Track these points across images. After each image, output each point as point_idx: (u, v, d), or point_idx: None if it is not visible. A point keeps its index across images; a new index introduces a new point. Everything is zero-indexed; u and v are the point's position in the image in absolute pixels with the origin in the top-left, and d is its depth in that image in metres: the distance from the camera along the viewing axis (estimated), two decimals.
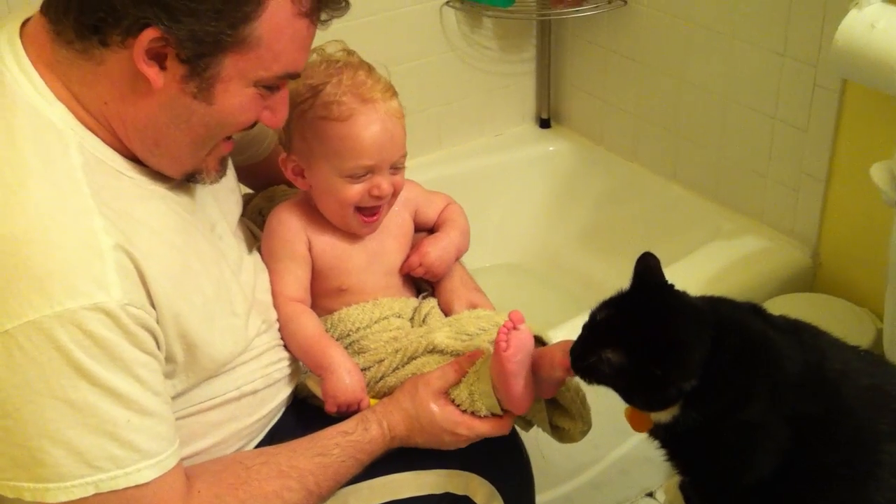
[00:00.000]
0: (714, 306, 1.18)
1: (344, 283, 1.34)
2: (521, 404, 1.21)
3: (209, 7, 0.99)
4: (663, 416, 1.16)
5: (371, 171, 1.28)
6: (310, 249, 1.33)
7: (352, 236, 1.35)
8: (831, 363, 1.18)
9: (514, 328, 1.17)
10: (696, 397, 1.11)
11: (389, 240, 1.38)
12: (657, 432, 1.21)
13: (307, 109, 1.28)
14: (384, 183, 1.29)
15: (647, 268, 1.15)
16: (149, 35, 0.98)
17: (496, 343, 1.18)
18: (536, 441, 1.39)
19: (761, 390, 1.14)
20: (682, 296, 1.16)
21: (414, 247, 1.41)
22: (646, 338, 1.10)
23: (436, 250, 1.39)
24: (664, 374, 1.08)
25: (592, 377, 1.14)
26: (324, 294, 1.35)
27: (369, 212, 1.32)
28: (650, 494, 2.05)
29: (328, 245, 1.34)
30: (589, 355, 1.13)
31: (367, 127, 1.26)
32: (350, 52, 1.32)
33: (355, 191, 1.29)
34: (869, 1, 1.61)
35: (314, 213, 1.34)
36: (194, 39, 1.00)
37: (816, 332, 1.22)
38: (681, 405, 1.13)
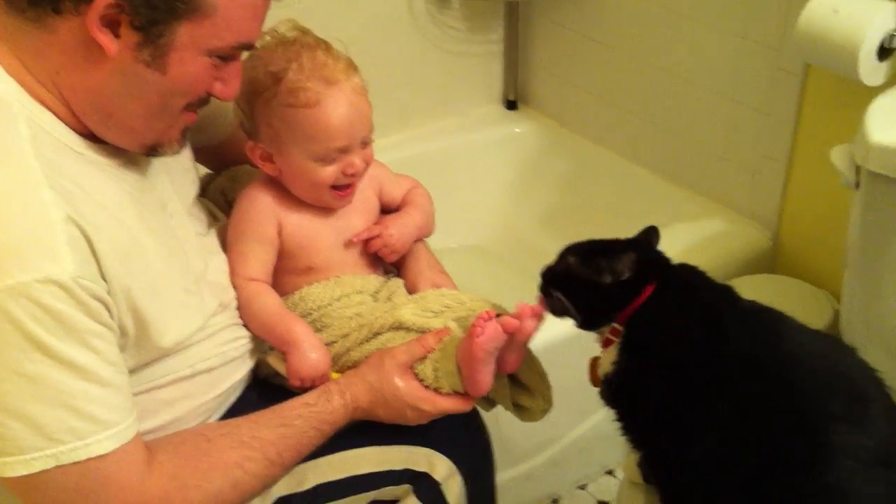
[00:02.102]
0: (682, 269, 1.29)
1: (313, 261, 1.34)
2: (481, 388, 1.23)
3: None
4: (607, 364, 1.25)
5: (343, 151, 1.28)
6: (280, 231, 1.33)
7: (320, 216, 1.35)
8: (786, 344, 1.20)
9: (492, 318, 1.19)
10: (628, 342, 1.23)
11: (356, 217, 1.38)
12: (607, 389, 1.26)
13: (271, 98, 1.27)
14: (357, 160, 1.30)
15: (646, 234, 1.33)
16: (102, 1, 0.97)
17: (471, 328, 1.19)
18: (497, 420, 1.40)
19: (696, 354, 1.19)
20: (650, 245, 1.32)
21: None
22: (595, 249, 1.27)
23: (395, 226, 1.39)
24: (594, 268, 1.24)
25: (553, 283, 1.28)
26: (290, 272, 1.35)
27: (344, 188, 1.32)
28: (610, 472, 2.07)
29: (297, 225, 1.34)
30: (556, 262, 1.30)
31: (336, 110, 1.26)
32: (304, 32, 1.31)
33: (329, 172, 1.29)
34: None
35: (284, 193, 1.34)
36: (149, 6, 0.99)
37: (778, 316, 1.24)
38: (619, 349, 1.23)
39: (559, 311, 1.28)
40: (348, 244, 1.37)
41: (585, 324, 1.28)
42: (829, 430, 1.12)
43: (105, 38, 1.00)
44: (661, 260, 1.30)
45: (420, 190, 1.47)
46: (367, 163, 1.32)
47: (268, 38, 1.29)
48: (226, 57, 1.09)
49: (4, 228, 0.96)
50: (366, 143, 1.31)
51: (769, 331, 1.21)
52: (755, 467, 1.14)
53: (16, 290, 0.94)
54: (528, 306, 1.22)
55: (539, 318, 1.24)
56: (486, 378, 1.22)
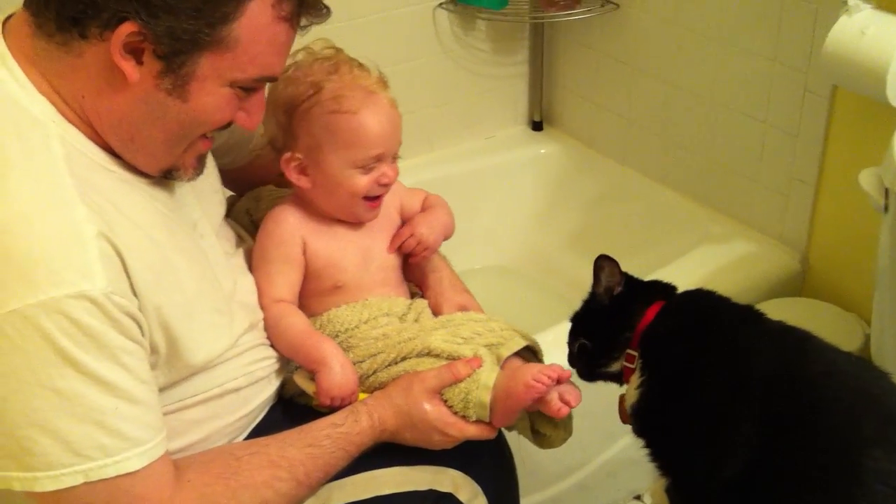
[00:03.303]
0: (692, 291, 1.30)
1: (339, 280, 1.35)
2: (511, 423, 1.29)
3: (189, 5, 1.00)
4: (632, 392, 1.26)
5: (379, 160, 1.31)
6: (305, 250, 1.34)
7: (345, 234, 1.36)
8: (815, 365, 1.19)
9: (558, 381, 1.22)
10: (645, 362, 1.25)
11: (380, 235, 1.40)
12: (635, 419, 1.27)
13: (312, 106, 1.29)
14: (390, 171, 1.33)
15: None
16: (126, 29, 0.99)
17: (528, 382, 1.21)
18: (519, 445, 1.40)
19: (713, 369, 1.20)
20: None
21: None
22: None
23: (424, 224, 1.41)
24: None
25: (572, 331, 1.36)
26: (318, 293, 1.35)
27: (375, 199, 1.35)
28: (638, 497, 2.05)
29: (322, 244, 1.35)
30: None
31: (376, 117, 1.29)
32: (337, 50, 1.34)
33: (365, 181, 1.31)
34: (859, 7, 1.62)
35: (309, 213, 1.35)
36: (172, 36, 1.01)
37: (805, 336, 1.23)
38: (638, 372, 1.25)
39: (583, 359, 1.33)
40: (375, 262, 1.38)
41: (602, 353, 1.30)
42: (863, 454, 1.10)
43: (128, 66, 1.01)
44: (665, 284, 1.33)
45: (435, 195, 1.48)
46: (396, 177, 1.34)
47: (302, 54, 1.32)
48: (248, 88, 1.10)
49: (38, 244, 0.97)
50: (394, 158, 1.34)
51: (796, 350, 1.20)
52: (785, 492, 1.13)
53: (48, 305, 0.95)
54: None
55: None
56: (517, 415, 1.27)
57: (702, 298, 1.30)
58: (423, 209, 1.46)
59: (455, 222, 1.47)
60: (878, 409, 1.15)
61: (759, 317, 1.25)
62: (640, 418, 1.27)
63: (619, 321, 1.28)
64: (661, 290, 1.31)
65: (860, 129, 1.85)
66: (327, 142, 1.30)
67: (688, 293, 1.31)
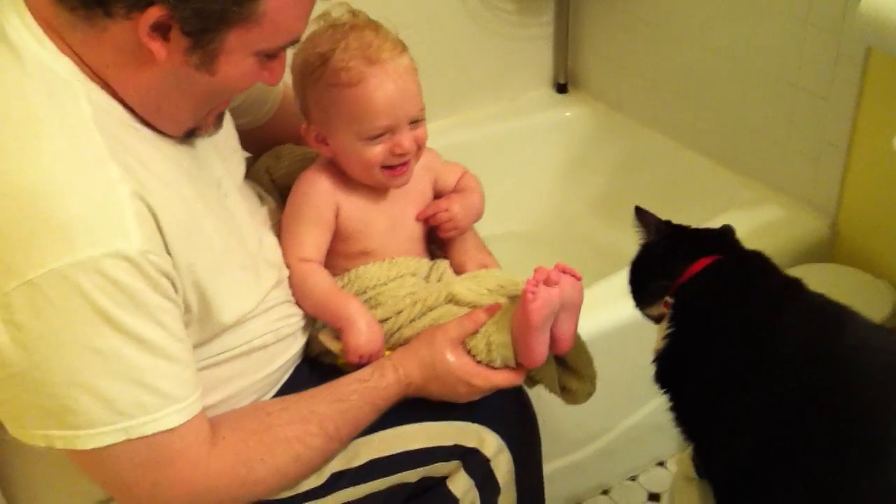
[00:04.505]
0: (749, 252, 1.32)
1: (368, 246, 1.35)
2: (538, 358, 1.23)
3: None
4: (659, 339, 1.28)
5: (389, 130, 1.29)
6: (337, 214, 1.34)
7: (377, 201, 1.36)
8: (848, 340, 1.17)
9: (540, 283, 1.18)
10: (676, 312, 1.27)
11: (411, 206, 1.40)
12: (657, 366, 1.29)
13: (319, 78, 1.28)
14: (405, 140, 1.30)
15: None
16: (154, 13, 0.98)
17: (524, 294, 1.19)
18: (548, 408, 1.41)
19: (744, 334, 1.19)
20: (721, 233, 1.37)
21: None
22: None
23: (460, 204, 1.40)
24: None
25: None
26: (344, 255, 1.36)
27: (396, 168, 1.32)
28: (661, 464, 2.05)
29: (355, 209, 1.35)
30: None
31: (379, 88, 1.26)
32: (355, 13, 1.31)
33: (377, 152, 1.29)
34: None
35: (342, 177, 1.35)
36: (199, 16, 0.99)
37: (844, 311, 1.21)
38: (668, 320, 1.27)
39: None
40: (404, 231, 1.38)
41: (638, 294, 1.33)
42: (892, 427, 1.08)
43: (155, 45, 1.01)
44: (725, 240, 1.32)
45: (471, 176, 1.47)
46: (419, 143, 1.32)
47: (321, 22, 1.30)
48: (272, 55, 1.10)
49: (74, 204, 0.97)
50: (416, 123, 1.31)
51: (832, 324, 1.18)
52: (811, 463, 1.12)
53: (86, 264, 0.95)
54: (562, 264, 1.23)
55: (576, 277, 1.23)
56: (541, 347, 1.22)
57: (748, 264, 1.28)
58: (459, 188, 1.45)
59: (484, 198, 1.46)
60: None
61: (799, 289, 1.23)
62: (664, 365, 1.28)
63: (661, 270, 1.29)
64: (717, 244, 1.31)
65: (894, 92, 1.81)
66: (334, 115, 1.29)
67: (737, 256, 1.30)
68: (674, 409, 1.28)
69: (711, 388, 1.21)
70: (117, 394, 1.00)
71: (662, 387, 1.29)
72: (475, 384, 1.25)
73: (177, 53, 1.02)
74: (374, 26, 1.30)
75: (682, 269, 1.27)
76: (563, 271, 1.22)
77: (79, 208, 0.97)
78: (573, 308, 1.24)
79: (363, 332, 1.27)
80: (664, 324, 1.28)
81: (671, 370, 1.27)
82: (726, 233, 1.36)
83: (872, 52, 1.82)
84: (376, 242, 1.36)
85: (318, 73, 1.28)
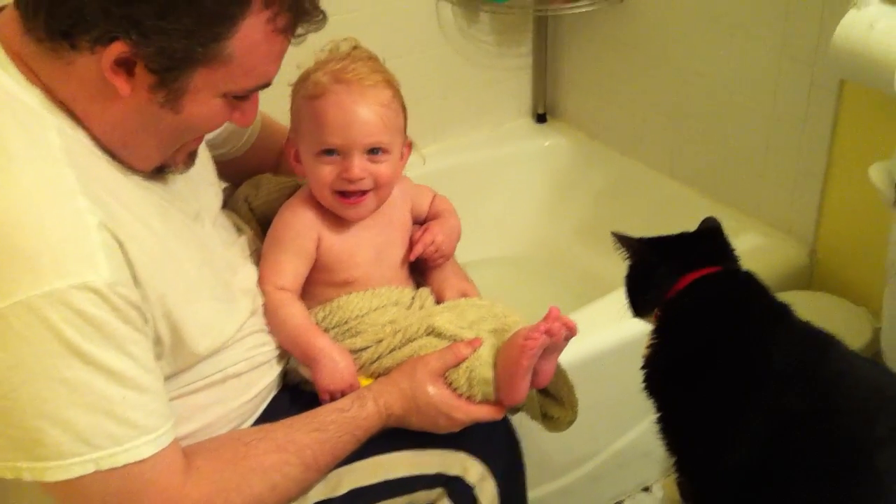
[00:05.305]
0: (729, 278, 1.32)
1: (352, 275, 1.35)
2: (519, 398, 1.24)
3: (181, 26, 0.99)
4: (644, 350, 1.29)
5: (339, 151, 1.28)
6: (318, 245, 1.34)
7: (360, 232, 1.36)
8: (832, 365, 1.18)
9: (547, 332, 1.19)
10: (660, 325, 1.29)
11: (395, 234, 1.40)
12: (643, 372, 1.30)
13: (296, 92, 1.31)
14: (354, 167, 1.28)
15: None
16: (117, 48, 0.98)
17: (522, 342, 1.20)
18: (527, 435, 1.40)
19: (724, 350, 1.21)
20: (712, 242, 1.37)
21: (419, 231, 1.42)
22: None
23: (443, 232, 1.41)
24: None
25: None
26: (329, 284, 1.36)
27: (350, 196, 1.31)
28: (646, 489, 2.05)
29: (338, 240, 1.35)
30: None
31: (336, 104, 1.27)
32: (357, 47, 1.33)
33: (326, 172, 1.29)
34: (868, 1, 1.60)
35: (326, 208, 1.35)
36: (163, 54, 1.00)
37: (828, 338, 1.23)
38: (652, 339, 1.28)
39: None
40: (388, 260, 1.38)
41: (633, 306, 1.36)
42: (875, 453, 1.09)
43: (119, 80, 1.01)
44: (713, 246, 1.33)
45: (441, 197, 1.48)
46: (378, 179, 1.31)
47: (325, 51, 1.32)
48: (242, 97, 1.10)
49: (41, 235, 0.96)
50: (373, 156, 1.30)
51: (815, 349, 1.19)
52: (795, 488, 1.12)
53: (53, 296, 0.95)
54: (557, 309, 1.23)
55: (570, 328, 1.23)
56: (525, 387, 1.23)
57: (734, 284, 1.29)
58: (433, 212, 1.45)
59: (460, 217, 1.47)
60: (892, 410, 1.15)
61: (785, 313, 1.24)
62: (645, 376, 1.30)
63: (649, 284, 1.32)
64: (704, 254, 1.32)
65: (869, 122, 1.85)
66: (298, 127, 1.31)
67: (726, 275, 1.31)
68: (659, 421, 1.29)
69: (689, 404, 1.22)
70: (86, 425, 0.99)
71: (649, 394, 1.30)
72: (455, 417, 1.25)
73: (142, 90, 1.03)
74: (370, 59, 1.31)
75: (669, 285, 1.28)
76: (566, 326, 1.22)
77: (47, 240, 0.96)
78: (557, 350, 1.25)
79: (330, 370, 1.26)
80: (651, 333, 1.30)
81: (654, 380, 1.29)
82: (713, 235, 1.36)
83: (846, 84, 1.85)
84: (360, 272, 1.36)
85: (298, 86, 1.31)
